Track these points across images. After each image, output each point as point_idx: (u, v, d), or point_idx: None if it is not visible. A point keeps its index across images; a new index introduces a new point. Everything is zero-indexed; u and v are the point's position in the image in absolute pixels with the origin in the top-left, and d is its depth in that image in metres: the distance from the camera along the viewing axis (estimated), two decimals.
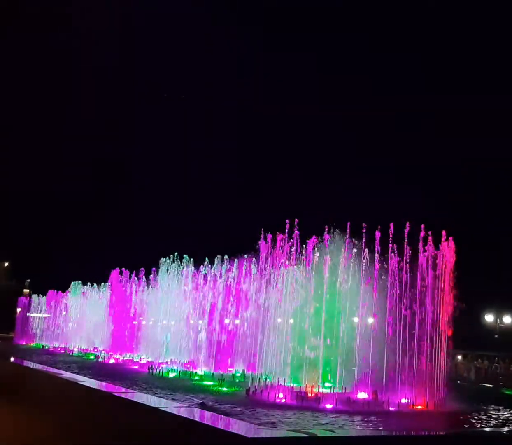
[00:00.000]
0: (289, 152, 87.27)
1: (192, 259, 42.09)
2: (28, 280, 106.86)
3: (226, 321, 42.86)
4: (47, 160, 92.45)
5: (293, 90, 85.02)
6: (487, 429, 20.34)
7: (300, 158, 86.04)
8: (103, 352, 53.46)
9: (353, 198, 69.17)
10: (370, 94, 78.82)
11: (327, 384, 27.93)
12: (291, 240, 29.85)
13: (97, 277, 65.73)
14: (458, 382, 39.24)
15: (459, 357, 48.84)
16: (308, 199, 73.22)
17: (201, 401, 22.03)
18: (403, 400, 24.94)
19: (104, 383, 19.23)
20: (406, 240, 27.22)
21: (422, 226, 27.30)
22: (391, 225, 27.16)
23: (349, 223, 29.14)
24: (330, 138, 78.64)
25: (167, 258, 43.41)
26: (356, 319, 32.02)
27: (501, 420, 22.53)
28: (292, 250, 29.95)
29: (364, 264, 28.76)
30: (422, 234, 27.17)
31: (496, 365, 46.14)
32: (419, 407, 24.23)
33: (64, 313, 71.22)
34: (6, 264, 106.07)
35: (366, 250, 28.72)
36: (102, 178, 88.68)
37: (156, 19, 79.98)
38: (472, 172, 68.98)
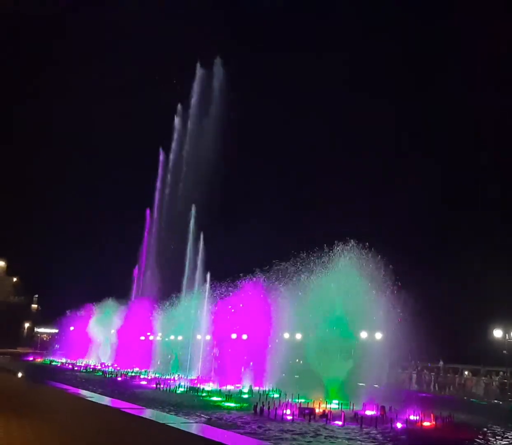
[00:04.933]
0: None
1: None
2: (36, 295, 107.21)
3: (233, 336, 42.91)
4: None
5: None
6: None
7: None
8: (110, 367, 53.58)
9: None
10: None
11: (334, 401, 27.89)
12: None
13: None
14: (465, 398, 38.98)
15: (467, 373, 48.41)
16: None
17: (208, 417, 22.04)
18: (411, 417, 24.82)
19: (110, 399, 19.31)
20: None
21: None
22: None
23: None
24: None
25: None
26: (363, 335, 32.08)
27: (508, 437, 22.37)
28: None
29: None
30: None
31: (505, 381, 45.70)
32: (427, 424, 24.07)
33: (71, 328, 71.27)
34: (15, 279, 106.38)
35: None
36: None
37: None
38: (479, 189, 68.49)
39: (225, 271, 47.24)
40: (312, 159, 79.64)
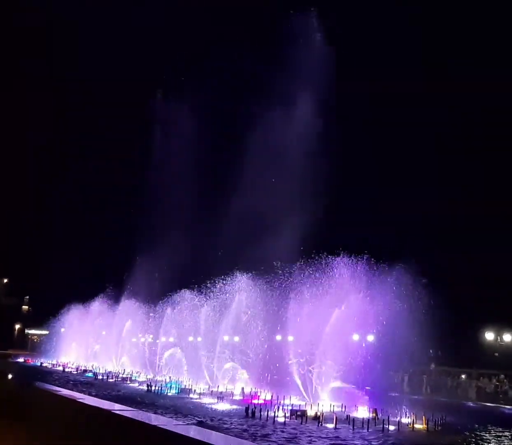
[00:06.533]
0: None
1: None
2: (27, 297, 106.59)
3: (225, 338, 42.81)
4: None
5: None
6: None
7: None
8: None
9: None
10: None
11: (327, 403, 27.82)
12: None
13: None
14: (457, 401, 39.01)
15: (463, 376, 48.38)
16: None
17: (200, 419, 21.93)
18: (404, 419, 24.78)
19: (102, 401, 19.15)
20: None
21: None
22: None
23: None
24: None
25: None
26: (355, 337, 32.09)
27: (499, 440, 22.34)
28: None
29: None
30: None
31: (497, 383, 45.78)
32: (419, 426, 24.02)
33: (62, 329, 70.87)
34: (5, 281, 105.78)
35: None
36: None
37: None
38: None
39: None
40: None
